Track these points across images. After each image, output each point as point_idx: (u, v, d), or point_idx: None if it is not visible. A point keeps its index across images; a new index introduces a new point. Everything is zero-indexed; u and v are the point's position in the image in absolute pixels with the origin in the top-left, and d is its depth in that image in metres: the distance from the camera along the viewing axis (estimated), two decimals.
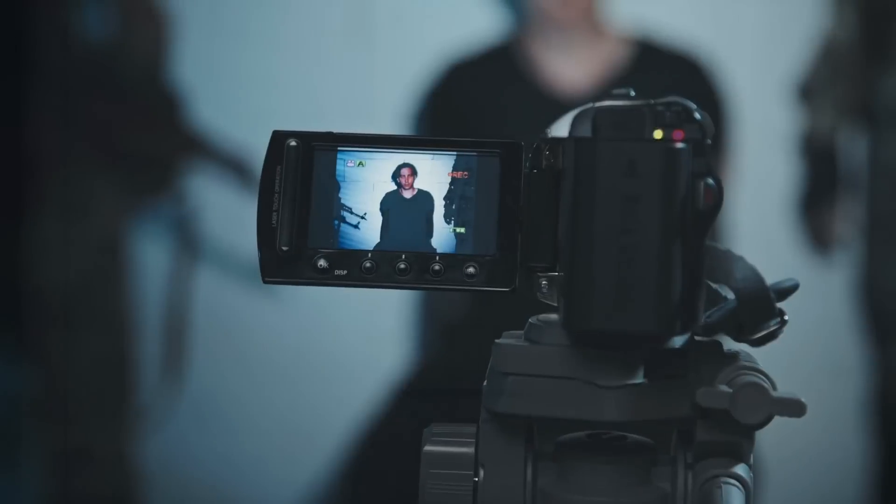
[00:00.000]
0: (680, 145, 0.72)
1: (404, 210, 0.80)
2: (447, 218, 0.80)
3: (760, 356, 0.79)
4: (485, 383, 0.79)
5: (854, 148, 2.79)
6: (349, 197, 0.81)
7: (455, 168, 0.80)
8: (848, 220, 2.80)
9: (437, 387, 2.49)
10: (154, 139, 2.67)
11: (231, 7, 2.78)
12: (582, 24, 2.62)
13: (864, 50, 2.74)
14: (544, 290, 0.79)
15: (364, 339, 2.78)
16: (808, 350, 2.68)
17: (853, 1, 2.73)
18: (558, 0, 2.60)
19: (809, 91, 2.79)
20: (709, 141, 0.73)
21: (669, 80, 2.57)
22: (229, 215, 2.68)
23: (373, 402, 2.63)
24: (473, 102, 2.65)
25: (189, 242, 2.70)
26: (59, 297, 2.60)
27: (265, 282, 0.81)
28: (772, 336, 0.76)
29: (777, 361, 0.81)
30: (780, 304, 0.76)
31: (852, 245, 2.80)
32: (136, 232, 2.73)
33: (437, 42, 2.71)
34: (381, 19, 2.80)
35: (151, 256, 2.72)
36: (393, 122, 2.71)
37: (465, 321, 2.58)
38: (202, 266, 2.72)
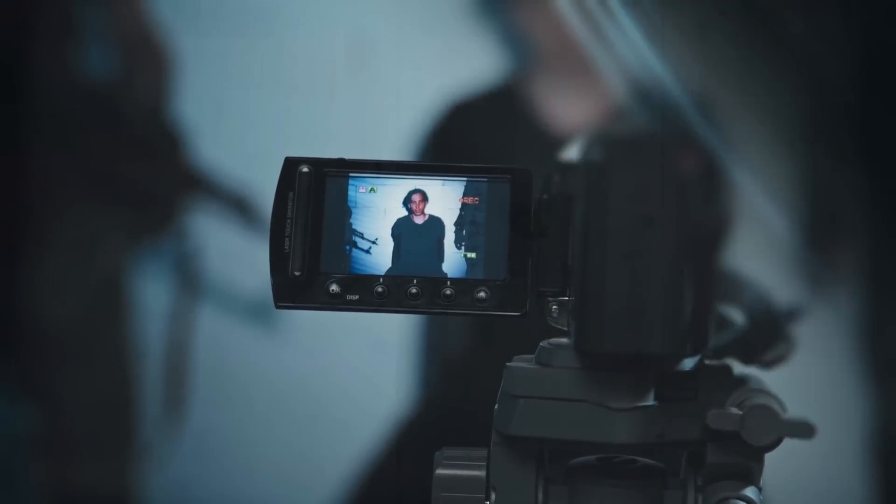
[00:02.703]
0: (691, 169, 0.73)
1: (415, 235, 0.81)
2: (458, 243, 0.81)
3: (769, 381, 0.79)
4: (496, 406, 0.79)
5: (855, 192, 2.80)
6: (361, 222, 0.81)
7: (465, 194, 0.81)
8: (849, 264, 2.81)
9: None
10: (156, 177, 2.67)
11: (232, 45, 2.79)
12: (581, 68, 2.64)
13: (864, 92, 2.75)
14: (554, 315, 0.79)
15: (368, 375, 2.78)
16: (809, 396, 2.67)
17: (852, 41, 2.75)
18: (558, 44, 2.62)
19: (808, 134, 2.80)
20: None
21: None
22: (231, 253, 2.68)
23: (377, 438, 2.62)
24: (474, 143, 2.65)
25: (191, 280, 2.70)
26: (60, 334, 2.59)
27: (278, 307, 0.81)
28: (781, 358, 0.76)
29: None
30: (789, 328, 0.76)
31: (854, 290, 2.80)
32: (137, 270, 2.73)
33: (437, 83, 2.72)
34: (383, 58, 2.81)
35: (153, 294, 2.72)
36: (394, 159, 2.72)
37: (470, 354, 2.58)
38: (204, 304, 2.72)
